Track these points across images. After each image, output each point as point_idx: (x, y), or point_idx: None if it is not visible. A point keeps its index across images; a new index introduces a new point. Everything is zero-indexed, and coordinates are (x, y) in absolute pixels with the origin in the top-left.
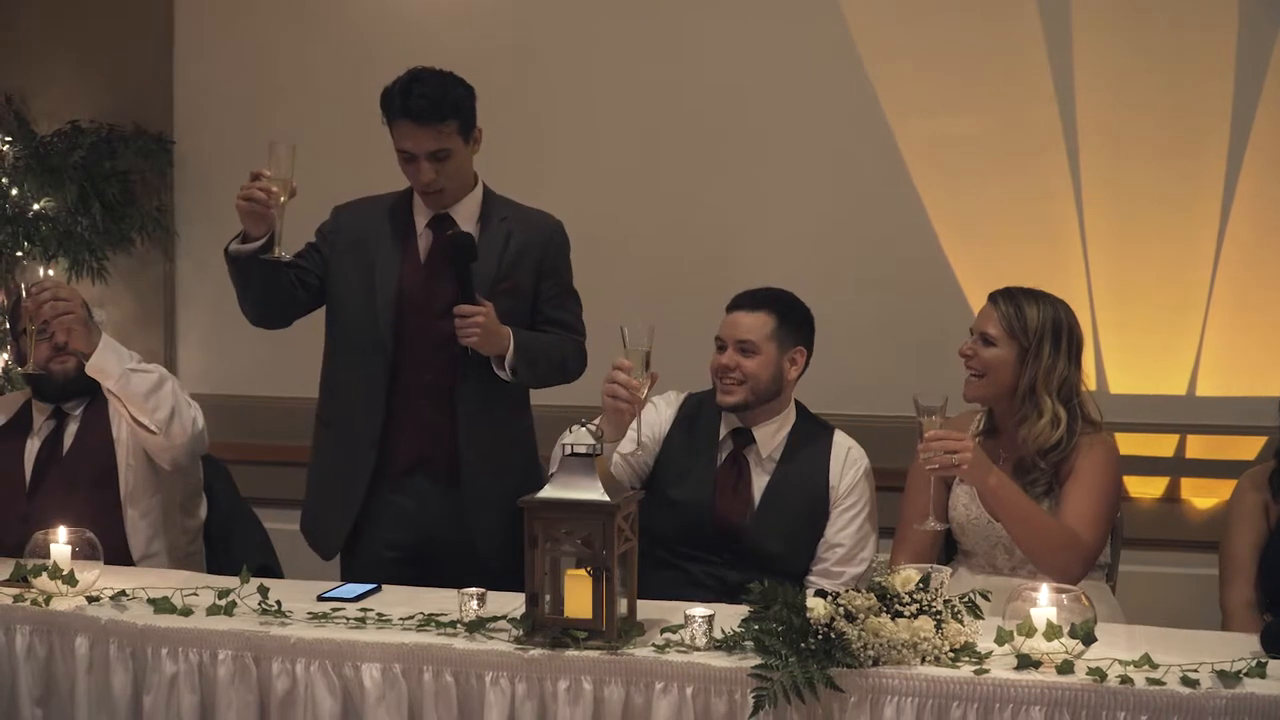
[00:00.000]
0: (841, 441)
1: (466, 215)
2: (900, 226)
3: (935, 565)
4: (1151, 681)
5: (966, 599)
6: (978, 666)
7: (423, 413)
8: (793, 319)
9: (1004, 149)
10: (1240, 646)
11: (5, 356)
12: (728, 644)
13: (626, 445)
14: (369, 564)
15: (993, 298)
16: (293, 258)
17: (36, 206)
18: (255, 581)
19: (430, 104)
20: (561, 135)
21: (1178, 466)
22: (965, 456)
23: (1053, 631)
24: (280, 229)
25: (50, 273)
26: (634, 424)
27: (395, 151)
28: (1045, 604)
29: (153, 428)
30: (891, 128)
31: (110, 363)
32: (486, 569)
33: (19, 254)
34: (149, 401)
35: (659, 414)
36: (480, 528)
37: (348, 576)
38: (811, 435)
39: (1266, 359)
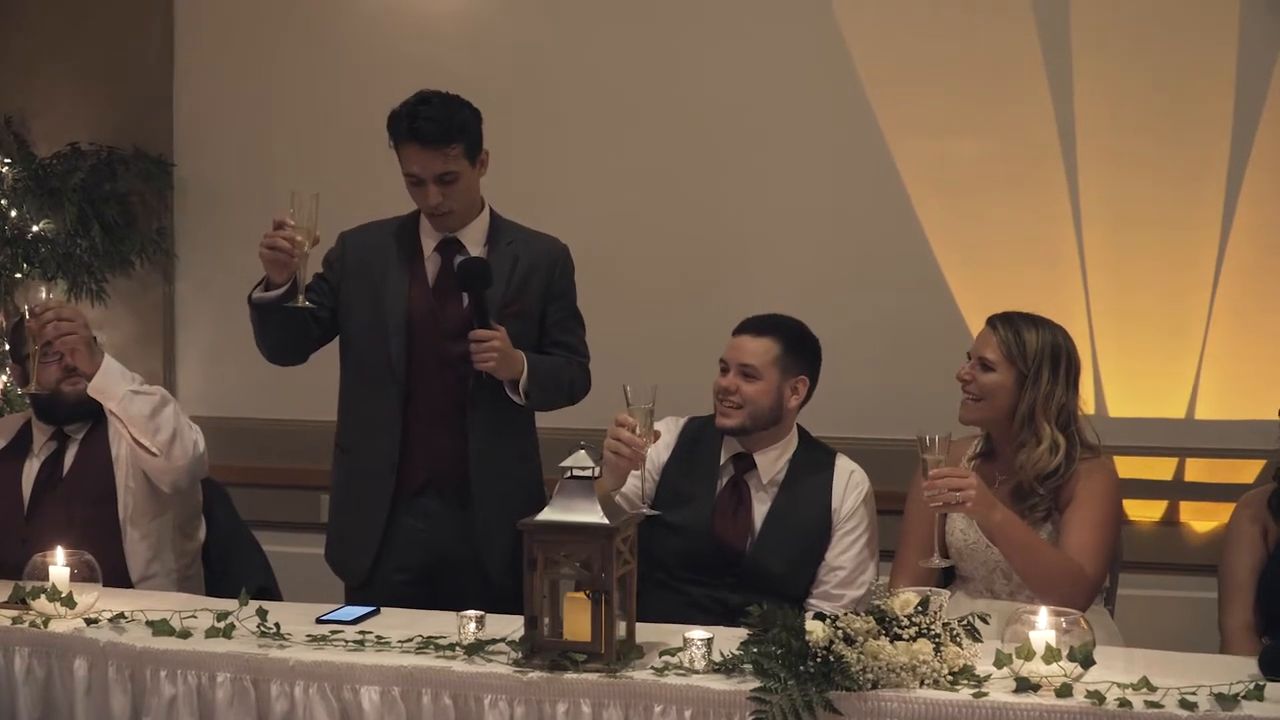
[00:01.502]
0: (844, 465)
1: (474, 239)
2: (899, 249)
3: (934, 589)
4: (1150, 704)
5: (965, 622)
6: (976, 689)
7: (434, 435)
8: (798, 348)
9: (1003, 171)
10: (1239, 669)
11: (3, 378)
12: (726, 667)
13: (629, 490)
14: (377, 586)
15: (991, 322)
16: (313, 302)
17: (36, 228)
18: (254, 604)
19: (437, 127)
20: (560, 155)
21: (1177, 489)
22: (969, 494)
23: (1051, 654)
24: (304, 277)
25: (50, 295)
26: (642, 478)
27: (403, 175)
28: (1044, 627)
29: (154, 450)
30: (890, 149)
31: (113, 384)
32: (495, 589)
33: (18, 275)
34: (151, 423)
35: (657, 442)
36: (490, 549)
37: (356, 598)
38: (814, 461)
39: (1266, 382)
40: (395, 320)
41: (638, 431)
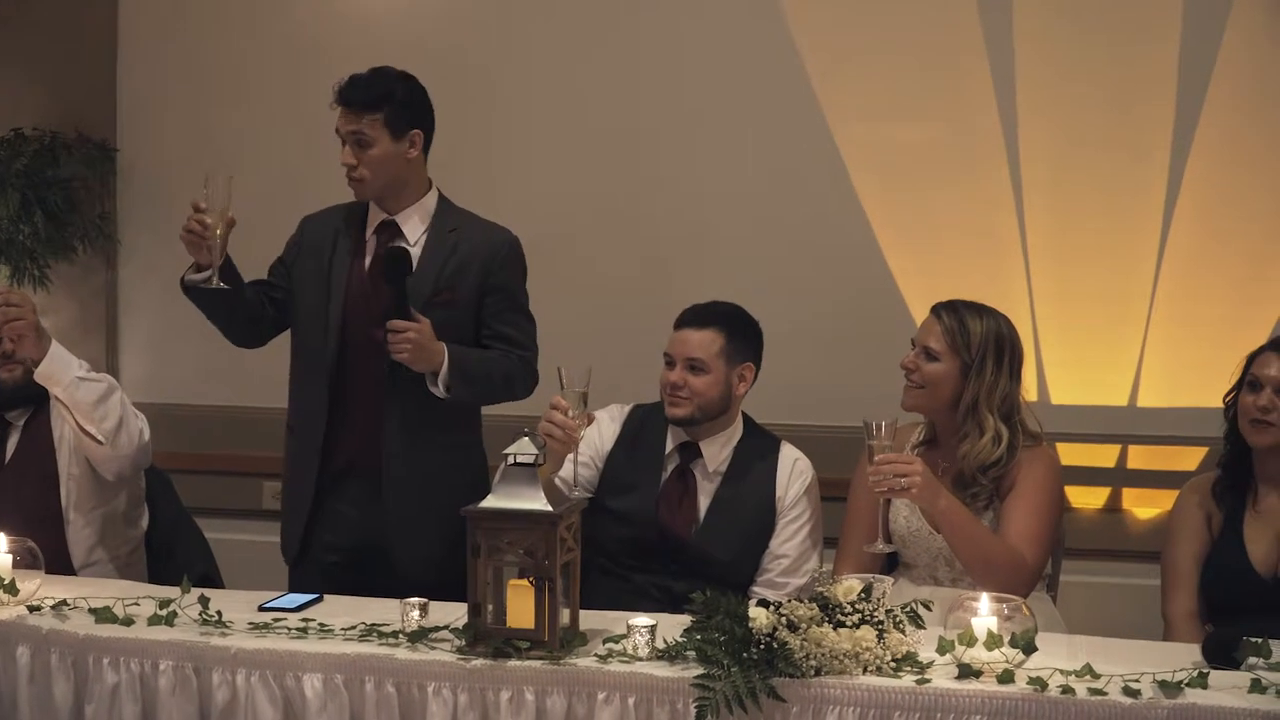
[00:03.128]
0: (789, 453)
1: (413, 224)
2: (842, 234)
3: (877, 575)
4: (1093, 691)
5: (909, 609)
6: (919, 676)
7: (357, 420)
8: (740, 335)
9: (946, 157)
10: (1182, 657)
11: None
12: (670, 654)
13: (565, 474)
14: (313, 568)
15: (935, 310)
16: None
17: None
18: (196, 591)
19: (359, 92)
20: (502, 143)
21: (1119, 477)
22: (915, 480)
23: (993, 641)
24: (218, 260)
25: None
26: (574, 463)
27: None
28: (986, 614)
29: (99, 437)
30: (833, 135)
31: (60, 370)
32: (408, 584)
33: None
34: (97, 411)
35: (602, 430)
36: (401, 540)
37: (294, 580)
38: (759, 448)
39: (1208, 370)
40: (335, 303)
41: (571, 414)
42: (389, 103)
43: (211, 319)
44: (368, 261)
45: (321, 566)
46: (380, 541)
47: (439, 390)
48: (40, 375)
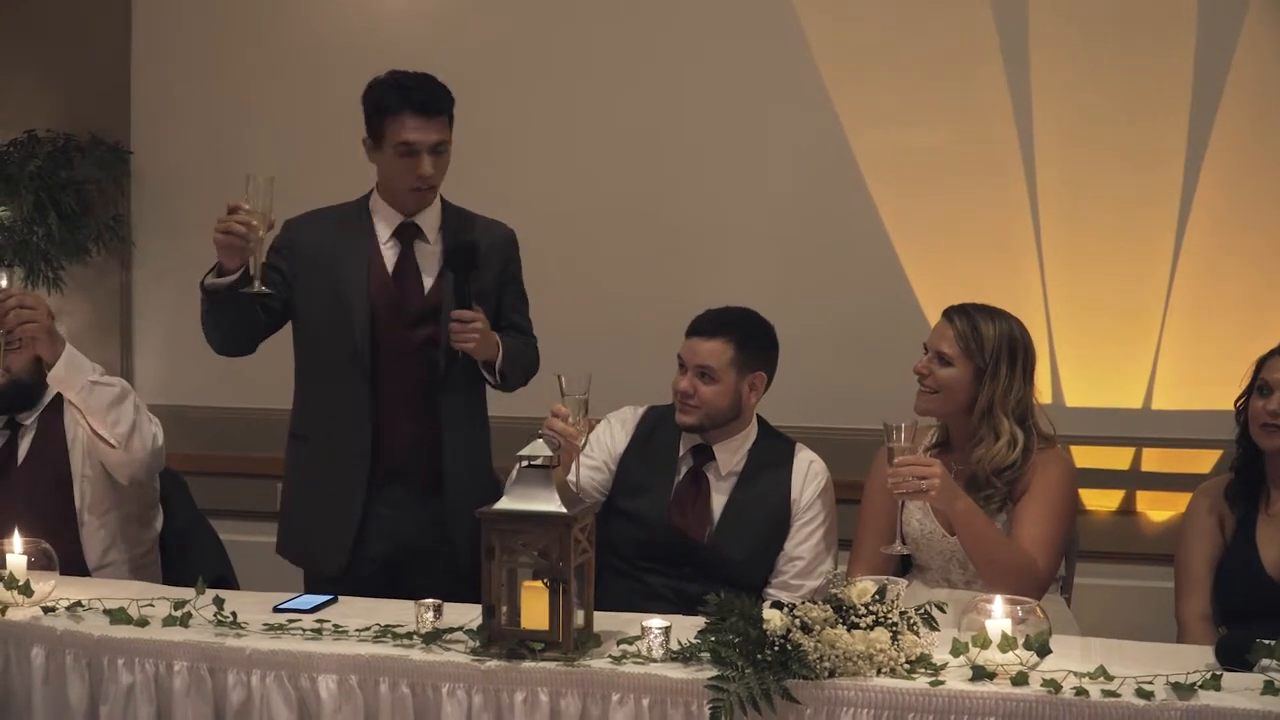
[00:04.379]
0: (803, 456)
1: (430, 223)
2: (857, 239)
3: (891, 577)
4: (1107, 693)
5: (922, 611)
6: (933, 678)
7: (403, 423)
8: (752, 344)
9: (961, 161)
10: (1195, 659)
11: None
12: (684, 655)
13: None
14: (352, 576)
15: (948, 314)
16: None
17: None
18: (211, 593)
19: (430, 97)
20: (521, 146)
21: (1133, 479)
22: (934, 483)
23: (1007, 643)
24: (259, 262)
25: (3, 282)
26: (576, 469)
27: (394, 146)
28: (1000, 616)
29: (113, 441)
30: (849, 140)
31: (73, 374)
32: (464, 575)
33: None
34: (110, 414)
35: (614, 433)
36: (463, 536)
37: (325, 589)
38: (773, 451)
39: (1222, 372)
40: (358, 309)
41: (571, 421)
42: (451, 107)
43: (215, 326)
44: (389, 265)
45: (353, 575)
46: (424, 543)
47: (493, 378)
48: (53, 379)
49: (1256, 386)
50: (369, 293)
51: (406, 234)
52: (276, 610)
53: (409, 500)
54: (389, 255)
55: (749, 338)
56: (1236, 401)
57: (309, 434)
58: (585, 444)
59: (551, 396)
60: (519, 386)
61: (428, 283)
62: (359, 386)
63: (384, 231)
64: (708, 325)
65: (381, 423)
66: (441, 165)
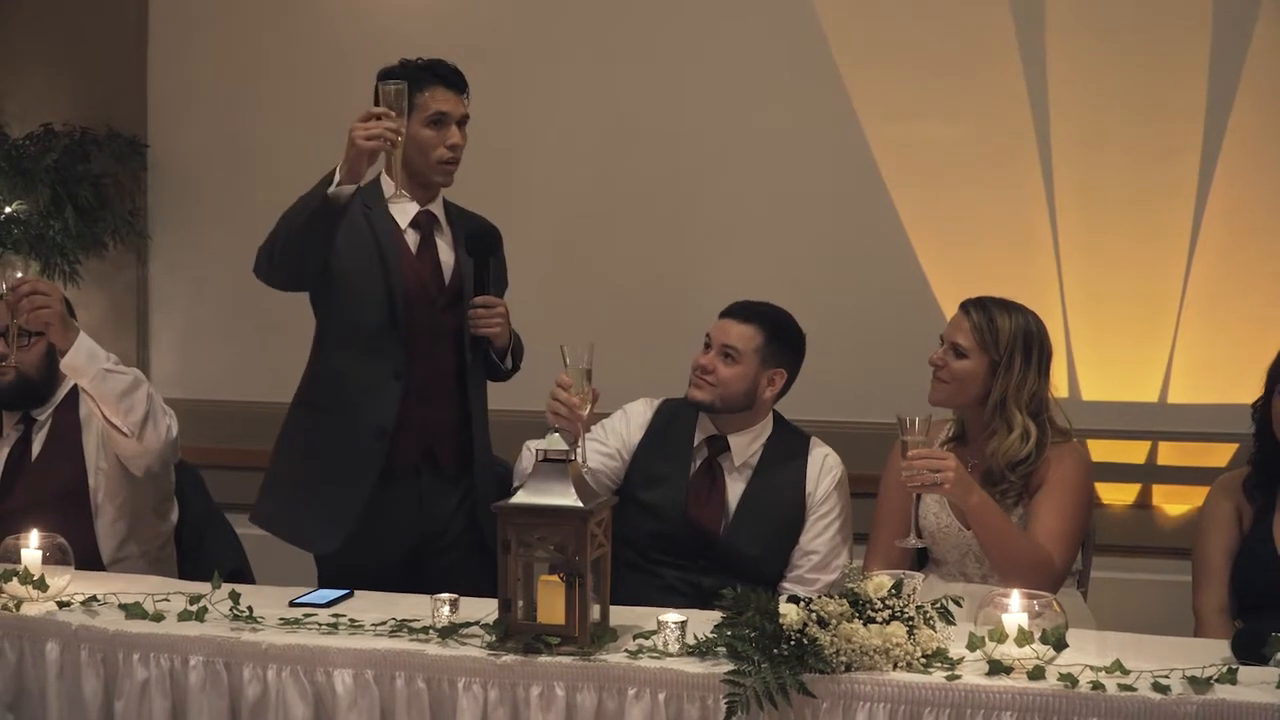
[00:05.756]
0: (819, 450)
1: (441, 215)
2: (873, 232)
3: (907, 571)
4: (1123, 687)
5: (939, 605)
6: (949, 672)
7: (429, 408)
8: (780, 339)
9: (977, 154)
10: (1212, 652)
11: None
12: (700, 650)
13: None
14: (356, 564)
15: (964, 307)
16: None
17: (9, 210)
18: (227, 587)
19: (456, 73)
20: (533, 139)
21: (1150, 473)
22: (948, 476)
23: (1024, 637)
24: (399, 169)
25: (19, 273)
26: (580, 441)
27: (423, 120)
28: (1016, 610)
29: (126, 430)
30: (865, 133)
31: (86, 361)
32: (491, 559)
33: None
34: (123, 403)
35: (629, 422)
36: (488, 518)
37: (331, 571)
38: (789, 445)
39: (1238, 366)
40: (394, 291)
41: (574, 391)
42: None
43: (298, 246)
44: (414, 249)
45: (373, 562)
46: (457, 526)
47: (508, 363)
48: (66, 365)
49: (1278, 391)
50: (402, 277)
51: (425, 221)
52: (292, 605)
53: (435, 486)
54: (411, 241)
55: (780, 332)
56: (1255, 402)
57: (328, 405)
58: (590, 412)
59: (528, 392)
60: (510, 378)
61: (448, 270)
62: (389, 366)
63: (403, 219)
64: (743, 310)
65: (407, 406)
66: (465, 142)
